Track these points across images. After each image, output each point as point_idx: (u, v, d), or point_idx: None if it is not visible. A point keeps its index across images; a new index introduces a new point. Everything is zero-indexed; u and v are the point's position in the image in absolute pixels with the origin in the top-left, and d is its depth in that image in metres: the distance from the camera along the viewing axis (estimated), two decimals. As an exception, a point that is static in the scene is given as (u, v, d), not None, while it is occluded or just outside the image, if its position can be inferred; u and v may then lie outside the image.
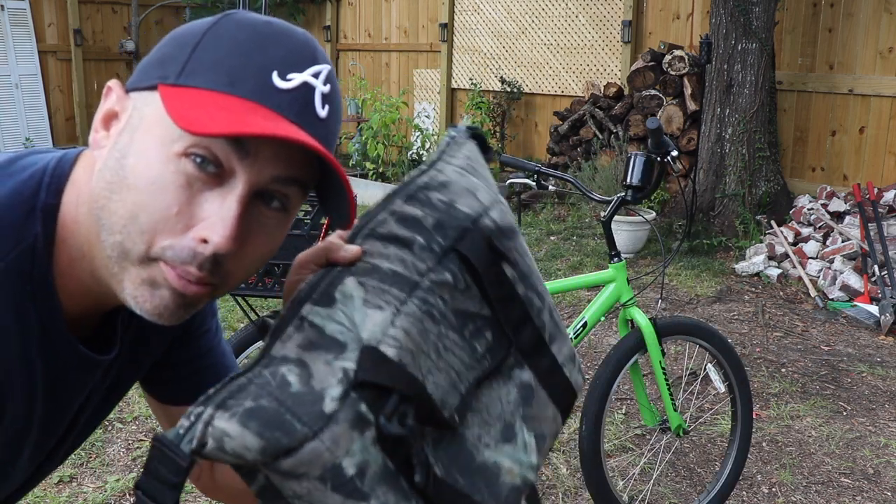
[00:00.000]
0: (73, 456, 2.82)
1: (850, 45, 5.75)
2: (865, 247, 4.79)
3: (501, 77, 7.69)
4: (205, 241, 0.69)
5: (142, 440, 3.00)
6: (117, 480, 2.71)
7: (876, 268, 4.62)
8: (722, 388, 3.05)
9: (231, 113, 0.67)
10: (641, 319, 2.35)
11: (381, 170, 7.59)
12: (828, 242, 5.11)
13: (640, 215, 4.54)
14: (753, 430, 2.89)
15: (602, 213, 2.41)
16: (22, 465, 0.83)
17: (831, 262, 4.92)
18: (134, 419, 3.14)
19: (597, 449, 2.32)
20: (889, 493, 2.79)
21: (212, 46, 0.71)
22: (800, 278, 4.96)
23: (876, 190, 5.15)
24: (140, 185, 0.69)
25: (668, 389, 2.41)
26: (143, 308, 0.72)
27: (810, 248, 5.11)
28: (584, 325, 2.37)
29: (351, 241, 0.72)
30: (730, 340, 3.24)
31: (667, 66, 6.16)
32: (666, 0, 6.72)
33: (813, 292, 4.73)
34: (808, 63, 5.98)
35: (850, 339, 4.18)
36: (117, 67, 9.63)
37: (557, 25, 7.42)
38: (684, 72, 6.08)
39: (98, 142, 0.74)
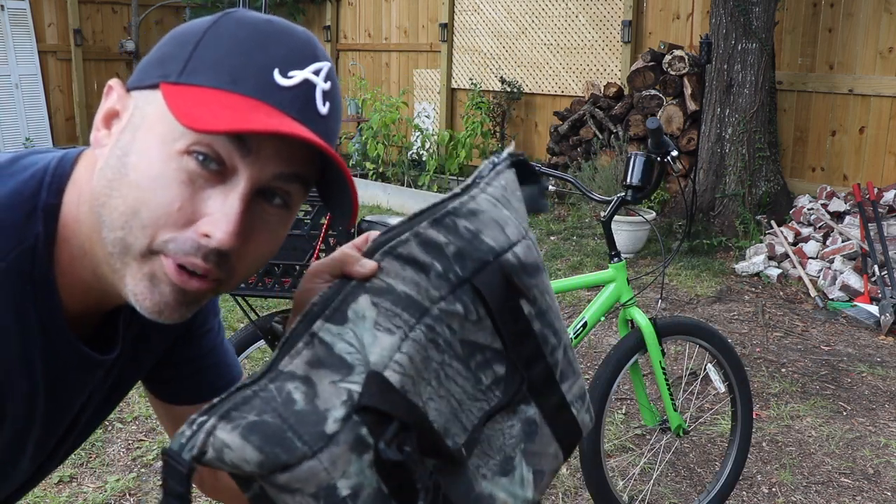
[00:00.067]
0: (73, 456, 2.82)
1: (850, 45, 5.75)
2: (865, 247, 4.79)
3: (501, 77, 7.69)
4: (207, 237, 0.69)
5: (142, 440, 3.00)
6: (117, 480, 2.71)
7: (876, 268, 4.62)
8: (722, 388, 3.05)
9: (234, 110, 0.67)
10: (641, 319, 2.35)
11: (381, 170, 7.59)
12: (828, 242, 5.11)
13: (640, 215, 4.54)
14: (753, 430, 2.89)
15: (602, 213, 2.41)
16: (23, 465, 0.83)
17: (831, 262, 4.92)
18: (134, 419, 3.14)
19: (597, 449, 2.32)
20: (889, 493, 2.79)
21: (213, 45, 0.71)
22: (800, 278, 4.96)
23: (876, 190, 5.15)
24: (141, 182, 0.69)
25: (668, 389, 2.41)
26: (143, 306, 0.72)
27: (810, 248, 5.11)
28: (584, 325, 2.37)
29: (369, 255, 0.72)
30: (730, 340, 3.24)
31: (667, 66, 6.16)
32: (666, 0, 6.72)
33: (813, 292, 4.73)
34: (808, 63, 5.98)
35: (850, 339, 4.18)
36: (117, 67, 9.63)
37: (557, 25, 7.43)
38: (684, 72, 6.08)
39: (99, 140, 0.74)
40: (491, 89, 7.80)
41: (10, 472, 0.83)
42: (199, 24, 0.73)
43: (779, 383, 3.61)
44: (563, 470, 2.84)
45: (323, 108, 0.73)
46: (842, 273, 4.75)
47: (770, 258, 5.21)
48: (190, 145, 0.68)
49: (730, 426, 2.59)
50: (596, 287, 2.59)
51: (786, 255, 5.17)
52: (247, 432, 0.63)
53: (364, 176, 7.65)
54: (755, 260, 5.18)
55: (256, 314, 2.49)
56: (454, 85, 8.28)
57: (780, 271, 5.08)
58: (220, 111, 0.66)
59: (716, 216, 5.81)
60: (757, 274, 5.14)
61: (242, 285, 2.27)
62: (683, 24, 6.64)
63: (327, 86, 0.73)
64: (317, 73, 0.73)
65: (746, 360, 3.83)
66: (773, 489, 2.80)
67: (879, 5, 5.60)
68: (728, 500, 2.63)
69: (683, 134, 6.09)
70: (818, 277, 4.90)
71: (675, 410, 2.45)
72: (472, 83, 7.94)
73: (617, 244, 2.42)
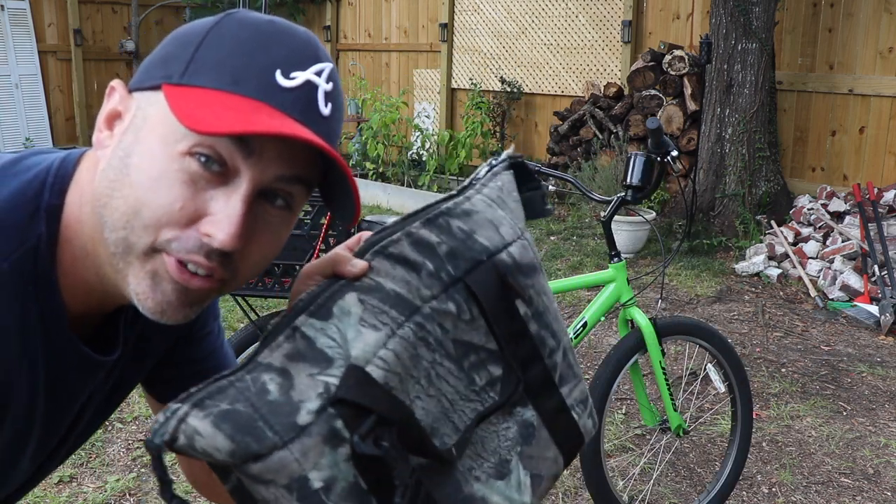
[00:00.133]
0: (73, 456, 2.81)
1: (850, 45, 5.75)
2: (865, 247, 4.79)
3: (501, 77, 7.69)
4: (209, 237, 0.69)
5: (142, 440, 3.00)
6: (117, 480, 2.71)
7: (876, 268, 4.62)
8: (722, 388, 3.05)
9: (236, 112, 0.67)
10: (641, 319, 2.35)
11: (381, 170, 7.59)
12: (828, 242, 5.11)
13: (640, 215, 4.54)
14: (753, 430, 2.89)
15: (602, 213, 2.41)
16: (23, 466, 0.83)
17: (831, 262, 4.92)
18: (134, 419, 3.14)
19: (597, 449, 2.32)
20: (889, 493, 2.79)
21: (215, 46, 0.71)
22: (800, 278, 4.96)
23: (876, 190, 5.16)
24: (143, 183, 0.69)
25: (668, 389, 2.42)
26: (145, 306, 0.72)
27: (810, 248, 5.11)
28: (584, 325, 2.37)
29: (360, 255, 0.72)
30: (730, 340, 3.24)
31: (667, 66, 6.16)
32: (666, 0, 6.72)
33: (813, 292, 4.74)
34: (808, 63, 5.98)
35: (850, 339, 4.18)
36: (117, 67, 9.63)
37: (557, 25, 7.43)
38: (684, 72, 6.08)
39: (101, 141, 0.74)
40: (491, 89, 7.81)
41: (11, 473, 0.83)
42: (201, 25, 0.73)
43: (779, 383, 3.61)
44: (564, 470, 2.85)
45: (325, 110, 0.73)
46: (842, 273, 4.75)
47: (770, 258, 5.21)
48: (192, 146, 0.69)
49: (730, 426, 2.59)
50: (596, 287, 2.59)
51: (786, 255, 5.17)
52: (218, 420, 0.63)
53: (364, 176, 7.65)
54: (755, 260, 5.19)
55: (256, 314, 2.49)
56: (454, 85, 8.29)
57: (780, 271, 5.08)
58: (223, 113, 0.66)
59: (716, 216, 5.81)
60: (757, 274, 5.15)
61: (242, 285, 2.27)
62: (683, 24, 6.65)
63: (329, 87, 0.73)
64: (319, 73, 0.73)
65: (746, 360, 3.83)
66: (773, 489, 2.81)
67: (879, 5, 5.60)
68: (728, 500, 2.64)
69: (683, 134, 6.09)
70: (818, 277, 4.91)
71: (675, 410, 2.45)
72: (472, 83, 7.94)
73: (617, 244, 2.42)
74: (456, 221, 0.75)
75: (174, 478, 2.72)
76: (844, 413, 3.36)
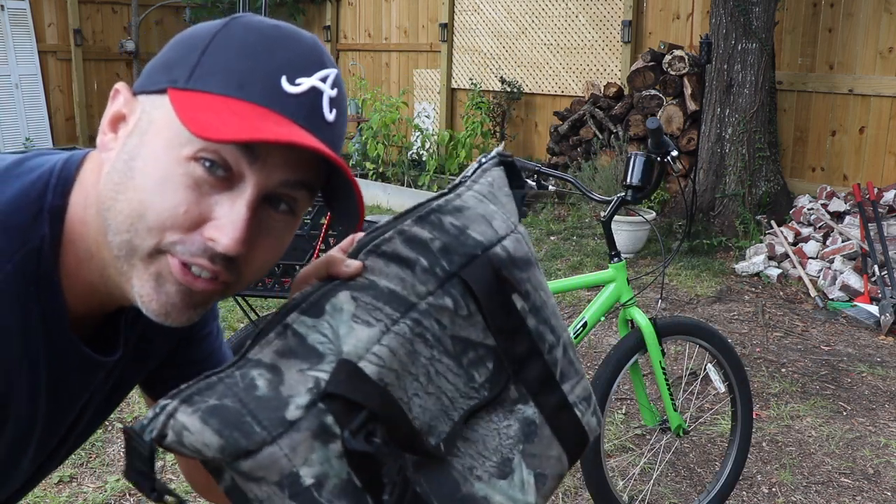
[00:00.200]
0: (73, 456, 2.82)
1: (850, 45, 5.76)
2: (865, 247, 4.79)
3: (501, 77, 7.69)
4: (213, 242, 0.69)
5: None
6: (117, 480, 2.71)
7: (876, 268, 4.62)
8: (722, 388, 3.05)
9: (242, 118, 0.67)
10: (641, 319, 2.35)
11: (381, 170, 7.59)
12: (828, 242, 5.12)
13: (640, 215, 4.54)
14: (753, 430, 2.89)
15: (602, 213, 2.41)
16: (24, 465, 0.84)
17: (831, 262, 4.92)
18: (134, 419, 3.14)
19: (597, 449, 2.32)
20: (889, 493, 2.79)
21: (221, 50, 0.71)
22: (800, 278, 4.96)
23: (876, 190, 5.16)
24: (147, 186, 0.69)
25: (668, 389, 2.42)
26: (149, 308, 0.72)
27: (810, 248, 5.12)
28: (584, 325, 2.37)
29: (353, 256, 0.73)
30: (730, 340, 3.24)
31: (667, 66, 6.16)
32: (666, 0, 6.72)
33: (813, 292, 4.74)
34: (808, 63, 5.98)
35: (850, 339, 4.19)
36: (117, 67, 9.63)
37: (557, 25, 7.43)
38: (684, 72, 6.08)
39: (106, 144, 0.75)
40: (491, 89, 7.81)
41: (12, 472, 0.83)
42: (206, 29, 0.73)
43: (779, 383, 3.61)
44: (564, 470, 2.85)
45: (329, 116, 0.73)
46: (842, 273, 4.75)
47: (770, 258, 5.21)
48: (197, 151, 0.69)
49: (730, 426, 2.59)
50: (596, 287, 2.59)
51: (786, 255, 5.17)
52: (206, 416, 0.63)
53: (364, 176, 7.65)
54: (755, 260, 5.19)
55: (256, 314, 2.49)
56: (454, 85, 8.29)
57: (780, 271, 5.09)
58: (229, 119, 0.66)
59: (716, 216, 5.81)
60: (757, 274, 5.15)
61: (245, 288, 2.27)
62: (683, 24, 6.65)
63: (334, 93, 0.74)
64: (324, 80, 0.73)
65: (746, 360, 3.84)
66: (773, 489, 2.81)
67: (879, 5, 5.60)
68: (728, 500, 2.64)
69: (683, 134, 6.09)
70: (818, 277, 4.91)
71: (675, 410, 2.45)
72: (472, 83, 7.94)
73: (617, 244, 2.42)
74: (448, 217, 0.75)
75: (173, 477, 2.72)
76: (844, 413, 3.36)
